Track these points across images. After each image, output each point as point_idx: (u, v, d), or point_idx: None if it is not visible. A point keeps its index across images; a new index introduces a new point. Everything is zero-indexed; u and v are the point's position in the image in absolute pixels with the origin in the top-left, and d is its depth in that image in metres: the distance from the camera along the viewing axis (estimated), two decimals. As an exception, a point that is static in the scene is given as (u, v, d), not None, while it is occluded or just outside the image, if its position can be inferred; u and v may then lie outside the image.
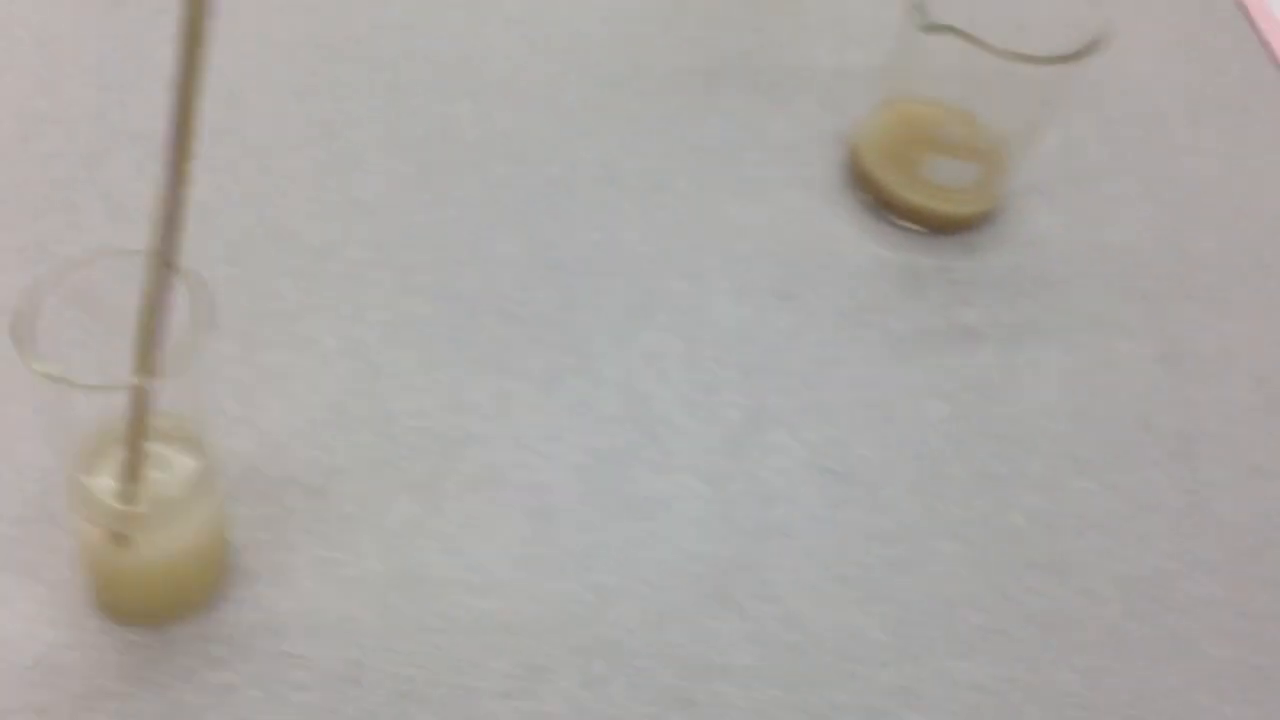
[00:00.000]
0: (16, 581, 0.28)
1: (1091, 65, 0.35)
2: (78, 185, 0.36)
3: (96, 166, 0.36)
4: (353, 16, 0.42)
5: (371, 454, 0.32)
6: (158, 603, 0.29)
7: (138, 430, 0.25)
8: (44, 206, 0.35)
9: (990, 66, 0.34)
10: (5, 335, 0.24)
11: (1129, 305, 0.37)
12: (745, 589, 0.31)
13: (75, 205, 0.36)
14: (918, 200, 0.38)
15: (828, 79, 0.42)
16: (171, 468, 0.27)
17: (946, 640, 0.30)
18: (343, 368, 0.33)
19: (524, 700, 0.28)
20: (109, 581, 0.29)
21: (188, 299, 0.24)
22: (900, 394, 0.35)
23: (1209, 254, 0.39)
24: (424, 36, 0.42)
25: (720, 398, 0.34)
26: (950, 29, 0.34)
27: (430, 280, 0.35)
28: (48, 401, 0.24)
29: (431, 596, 0.29)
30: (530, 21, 0.43)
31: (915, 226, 0.38)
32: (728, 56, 0.43)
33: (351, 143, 0.38)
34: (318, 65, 0.40)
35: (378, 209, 0.37)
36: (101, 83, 0.39)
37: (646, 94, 0.41)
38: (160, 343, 0.24)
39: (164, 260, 0.23)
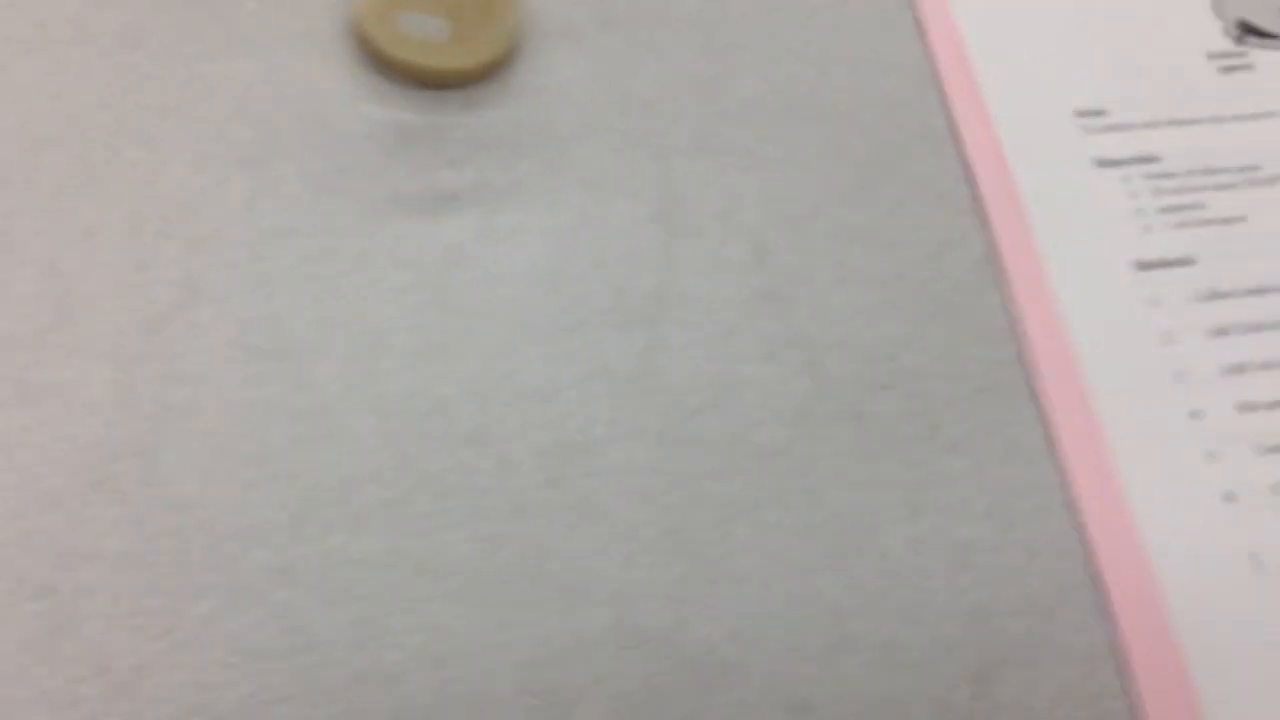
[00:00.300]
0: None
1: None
2: None
3: None
4: None
5: None
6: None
7: None
8: None
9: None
10: None
11: (637, 162, 0.35)
12: (132, 475, 0.29)
13: None
14: (404, 56, 0.36)
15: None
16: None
17: (341, 517, 0.29)
18: None
19: None
20: None
21: None
22: (356, 265, 0.33)
23: (739, 107, 0.37)
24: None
25: (152, 275, 0.32)
26: None
27: None
28: None
29: None
30: None
31: (412, 83, 0.36)
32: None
33: None
34: None
35: None
36: None
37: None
38: None
39: None
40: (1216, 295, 0.35)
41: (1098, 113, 0.38)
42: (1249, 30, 0.40)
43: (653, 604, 0.29)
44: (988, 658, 0.30)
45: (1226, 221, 0.37)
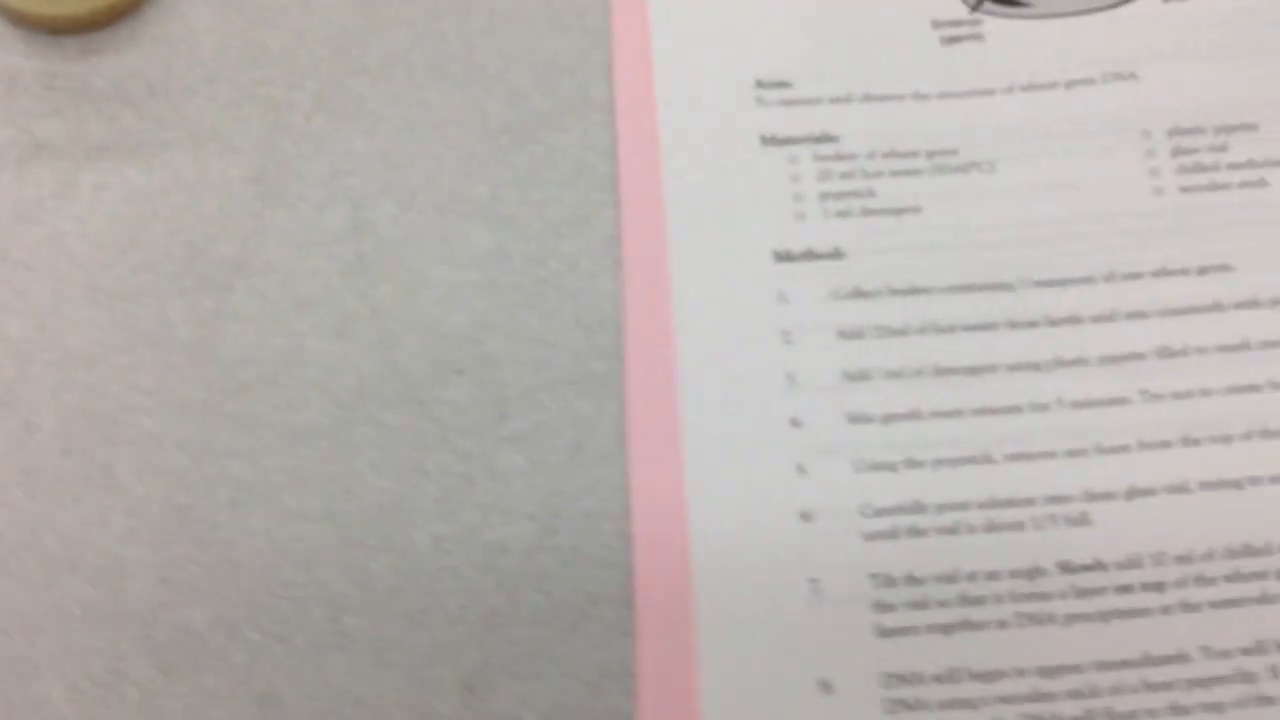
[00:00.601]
0: None
1: None
2: None
3: None
4: None
5: None
6: None
7: None
8: None
9: None
10: None
11: (249, 120, 0.34)
12: None
13: None
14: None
15: None
16: None
17: None
18: None
19: None
20: None
21: None
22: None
23: (379, 65, 0.34)
24: None
25: None
26: None
27: None
28: None
29: None
30: None
31: (27, 26, 0.34)
32: None
33: None
34: None
35: None
36: None
37: None
38: None
39: None
40: (859, 294, 0.31)
41: (781, 84, 0.34)
42: (991, -6, 0.36)
43: (142, 583, 0.29)
44: (489, 666, 0.28)
45: (897, 212, 0.32)
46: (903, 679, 0.28)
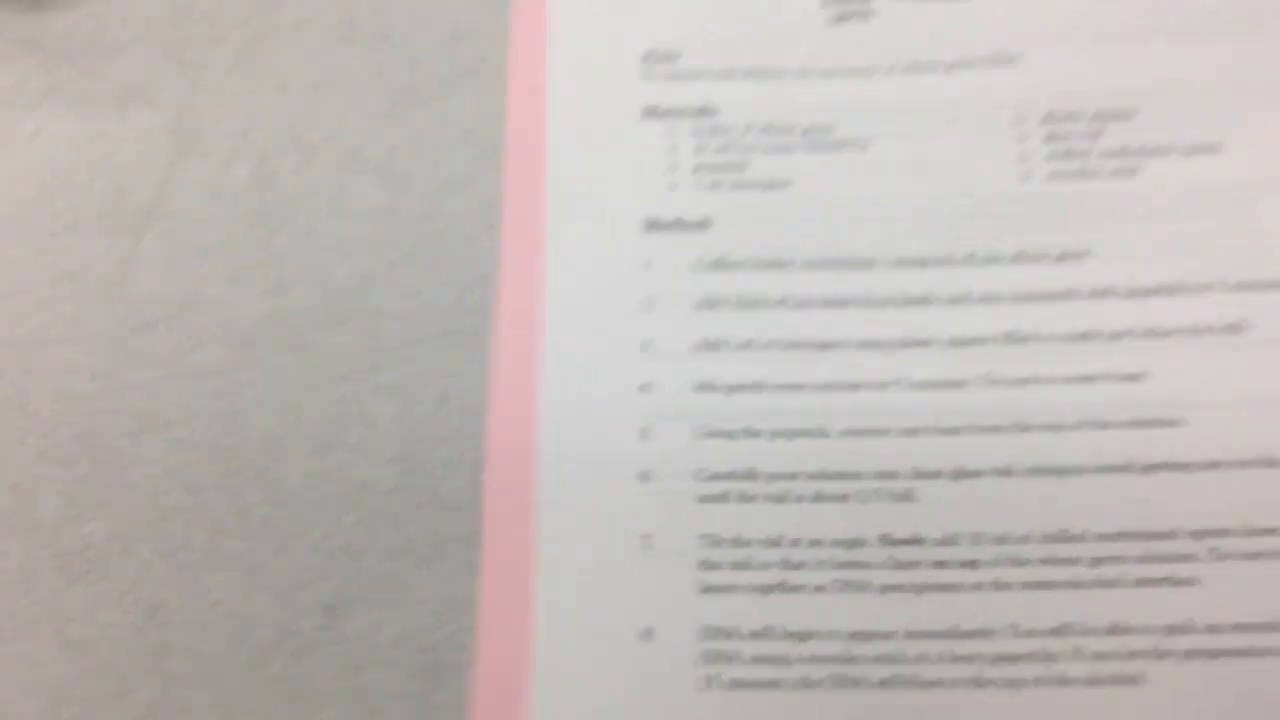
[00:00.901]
0: None
1: None
2: None
3: None
4: None
5: None
6: None
7: None
8: None
9: None
10: None
11: (170, 76, 0.36)
12: None
13: None
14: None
15: None
16: None
17: None
18: None
19: None
20: None
21: None
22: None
23: (294, 26, 0.36)
24: None
25: None
26: None
27: None
28: None
29: None
30: None
31: None
32: None
33: None
34: None
35: None
36: None
37: None
38: None
39: None
40: (722, 265, 0.33)
41: (669, 56, 0.35)
42: (884, -33, 0.35)
43: (51, 499, 0.32)
44: (349, 592, 0.31)
45: (766, 186, 0.33)
46: (720, 632, 0.30)
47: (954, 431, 0.31)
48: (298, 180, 0.35)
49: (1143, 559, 0.30)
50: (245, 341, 0.34)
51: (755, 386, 0.32)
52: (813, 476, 0.31)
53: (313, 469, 0.33)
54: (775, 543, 0.31)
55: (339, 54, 0.36)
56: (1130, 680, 0.29)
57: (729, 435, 0.32)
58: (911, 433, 0.31)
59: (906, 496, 0.31)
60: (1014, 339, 0.32)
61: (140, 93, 0.36)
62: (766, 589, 0.30)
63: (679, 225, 0.34)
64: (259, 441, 0.33)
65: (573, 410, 0.32)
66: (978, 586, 0.30)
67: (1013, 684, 0.29)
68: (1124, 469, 0.30)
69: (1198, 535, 0.29)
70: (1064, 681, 0.29)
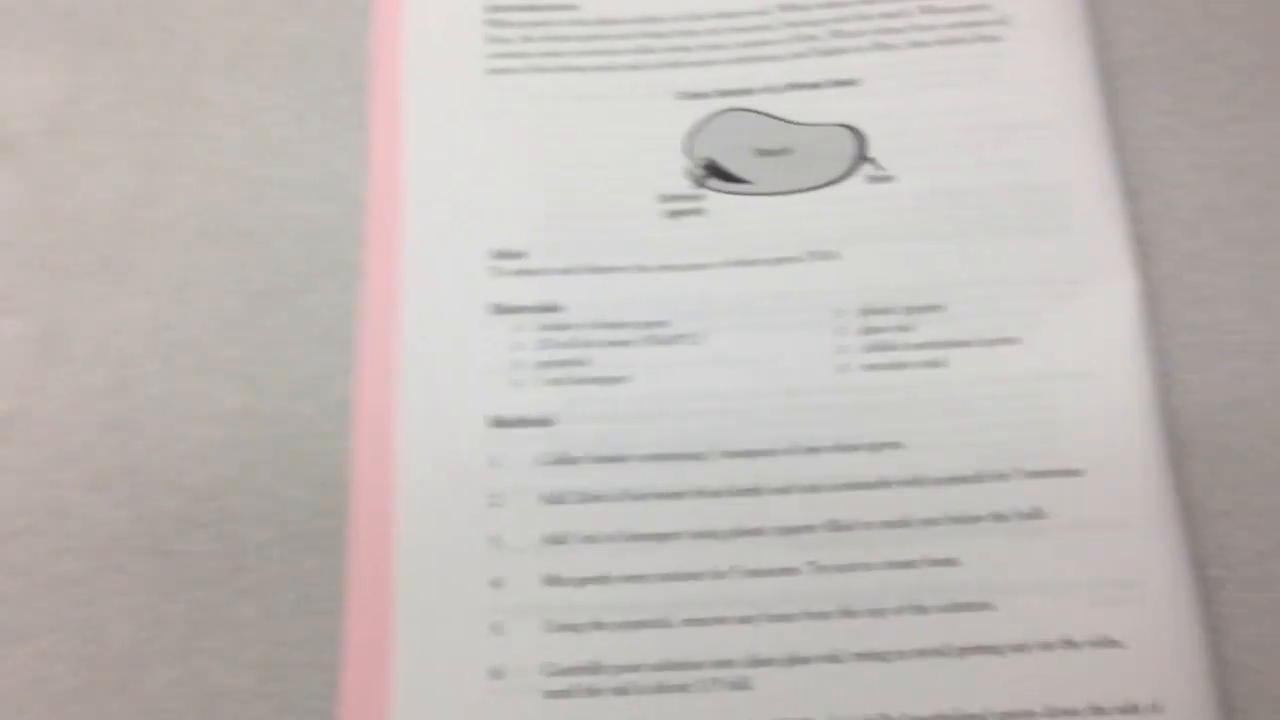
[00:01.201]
0: None
1: None
2: None
3: None
4: None
5: None
6: None
7: None
8: None
9: None
10: None
11: (38, 281, 0.37)
12: None
13: None
14: None
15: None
16: None
17: None
18: None
19: None
20: None
21: None
22: None
23: (158, 228, 0.37)
24: None
25: None
26: None
27: None
28: None
29: None
30: None
31: None
32: None
33: None
34: None
35: None
36: None
37: None
38: None
39: None
40: (564, 460, 0.34)
41: (517, 255, 0.37)
42: (715, 172, 0.37)
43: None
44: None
45: (606, 381, 0.35)
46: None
47: (786, 619, 0.33)
48: (158, 385, 0.36)
49: (958, 741, 0.32)
50: (109, 549, 0.35)
51: (601, 579, 0.33)
52: (655, 668, 0.32)
53: (171, 677, 0.34)
54: (620, 736, 0.32)
55: (203, 254, 0.38)
56: None
57: (576, 629, 0.33)
58: (747, 620, 0.33)
59: (742, 684, 0.32)
60: (836, 527, 0.34)
61: (5, 299, 0.37)
62: (613, 784, 0.32)
63: (522, 422, 0.35)
64: (119, 650, 0.34)
65: (425, 605, 0.33)
66: (810, 771, 0.32)
67: None
68: (941, 653, 0.32)
69: (1006, 717, 0.31)
70: None
